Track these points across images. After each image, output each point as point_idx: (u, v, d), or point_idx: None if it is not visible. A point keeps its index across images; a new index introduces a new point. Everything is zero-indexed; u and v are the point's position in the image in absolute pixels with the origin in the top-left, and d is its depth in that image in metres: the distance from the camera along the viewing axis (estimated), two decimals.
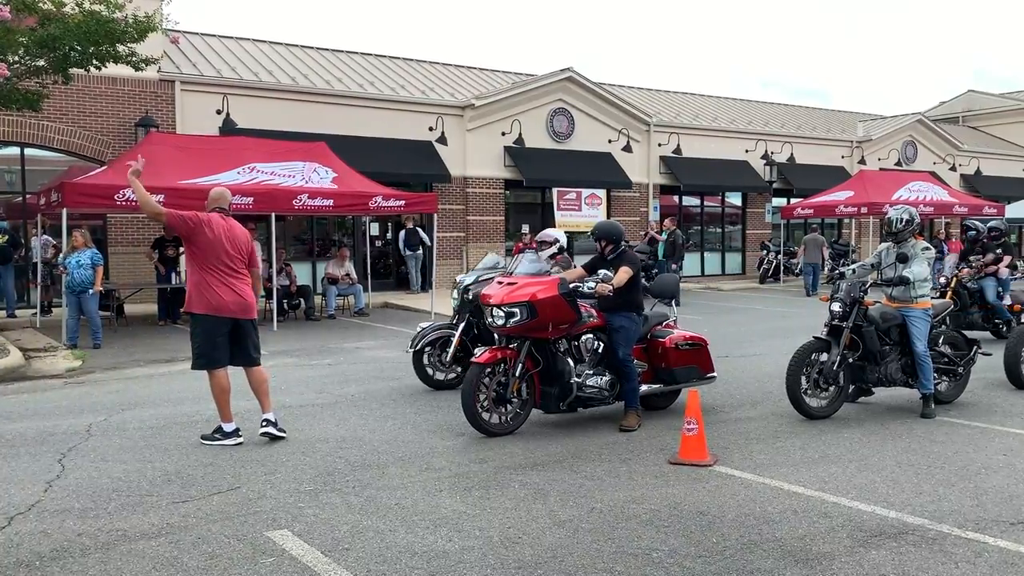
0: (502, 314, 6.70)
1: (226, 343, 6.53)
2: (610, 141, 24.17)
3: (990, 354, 8.47)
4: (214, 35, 22.08)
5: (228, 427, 6.57)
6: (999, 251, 12.49)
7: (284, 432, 6.67)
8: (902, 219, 7.75)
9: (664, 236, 20.44)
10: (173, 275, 15.62)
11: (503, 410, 6.86)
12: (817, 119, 32.73)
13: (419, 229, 20.43)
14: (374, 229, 21.21)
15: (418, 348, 8.78)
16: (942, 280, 12.22)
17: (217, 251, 6.44)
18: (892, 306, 7.74)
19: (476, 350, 7.23)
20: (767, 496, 5.28)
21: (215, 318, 6.44)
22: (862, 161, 29.62)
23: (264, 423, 6.59)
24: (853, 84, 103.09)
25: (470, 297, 8.42)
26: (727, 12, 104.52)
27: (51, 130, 16.93)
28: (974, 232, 13.13)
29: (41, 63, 13.05)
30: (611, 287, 6.87)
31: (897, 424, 7.27)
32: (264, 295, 14.66)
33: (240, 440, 6.53)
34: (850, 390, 7.68)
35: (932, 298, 7.88)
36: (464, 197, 22.02)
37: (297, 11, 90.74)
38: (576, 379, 6.93)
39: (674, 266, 19.79)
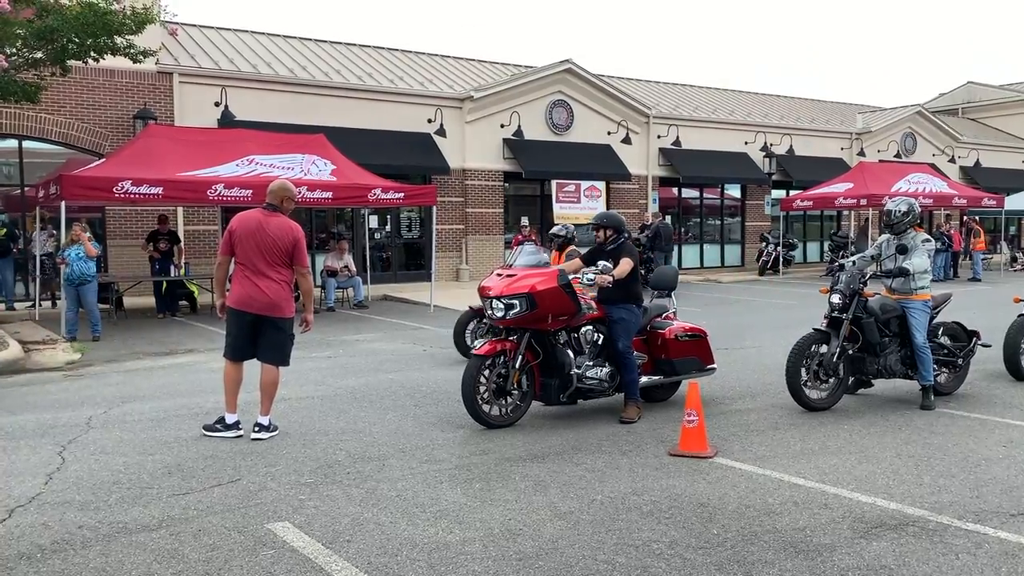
0: (501, 306, 6.69)
1: (246, 337, 6.55)
2: (609, 133, 24.13)
3: (990, 345, 8.47)
4: (212, 27, 22.02)
5: (230, 418, 6.57)
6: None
7: (270, 435, 6.54)
8: (900, 210, 7.75)
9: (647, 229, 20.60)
10: (172, 268, 15.59)
11: (503, 402, 6.86)
12: (816, 111, 32.70)
13: None
14: (373, 221, 21.19)
15: None
16: None
17: (241, 249, 6.49)
18: (892, 297, 7.74)
19: (476, 342, 7.23)
20: (767, 487, 5.29)
21: (233, 311, 6.54)
22: (861, 153, 29.59)
23: (255, 427, 6.56)
24: (851, 76, 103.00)
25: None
26: (725, 3, 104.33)
27: (49, 122, 16.90)
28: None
29: (39, 55, 13.04)
30: (611, 278, 6.85)
31: (897, 416, 7.27)
32: None
33: (240, 433, 6.53)
34: (850, 382, 7.68)
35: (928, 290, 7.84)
36: (463, 189, 21.99)
37: (295, 3, 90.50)
38: (576, 371, 6.92)
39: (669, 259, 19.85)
